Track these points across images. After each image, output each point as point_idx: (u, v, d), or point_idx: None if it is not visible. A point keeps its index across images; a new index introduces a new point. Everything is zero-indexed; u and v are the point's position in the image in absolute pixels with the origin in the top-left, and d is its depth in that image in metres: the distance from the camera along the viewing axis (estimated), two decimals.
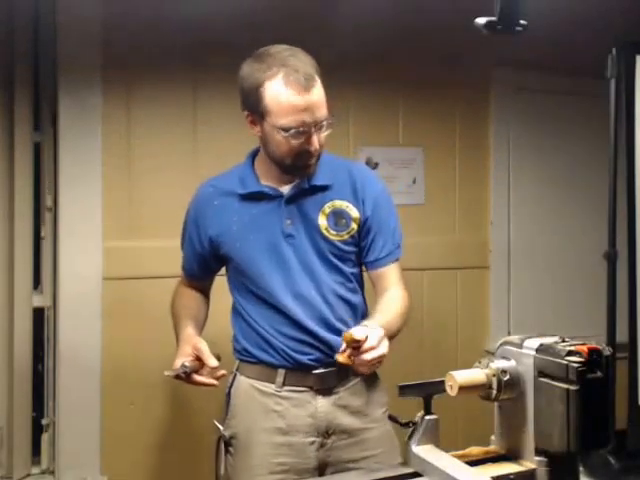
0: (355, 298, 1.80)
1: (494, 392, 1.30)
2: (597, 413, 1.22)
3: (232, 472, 1.78)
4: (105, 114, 2.45)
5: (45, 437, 2.50)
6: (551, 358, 1.24)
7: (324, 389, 1.73)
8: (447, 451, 1.34)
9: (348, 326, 1.71)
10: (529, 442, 1.29)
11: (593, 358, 1.21)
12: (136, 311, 2.48)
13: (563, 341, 1.27)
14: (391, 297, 1.82)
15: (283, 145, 1.66)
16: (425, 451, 1.33)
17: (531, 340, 1.30)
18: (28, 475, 2.47)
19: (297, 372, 1.73)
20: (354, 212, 1.76)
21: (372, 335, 1.54)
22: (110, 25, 2.43)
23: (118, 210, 2.48)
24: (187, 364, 1.67)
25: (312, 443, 1.73)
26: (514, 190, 3.02)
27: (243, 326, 1.79)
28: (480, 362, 1.35)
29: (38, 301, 2.48)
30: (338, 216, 1.75)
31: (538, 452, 1.28)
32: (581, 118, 3.05)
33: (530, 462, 1.29)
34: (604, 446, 1.24)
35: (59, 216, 2.43)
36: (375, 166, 2.78)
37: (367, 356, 1.52)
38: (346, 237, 1.76)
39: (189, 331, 1.77)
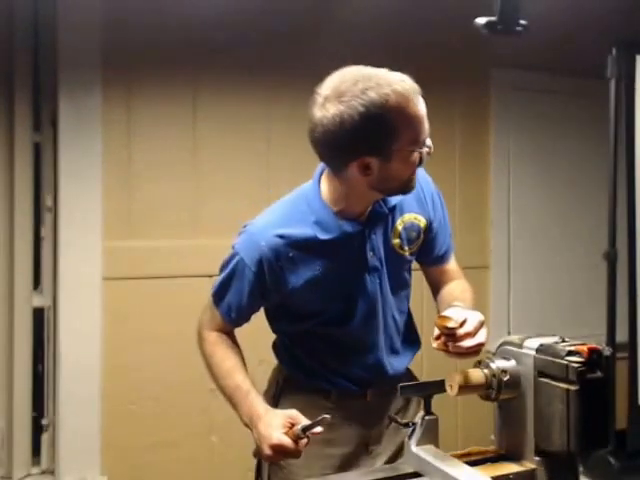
0: (408, 305, 1.74)
1: (494, 392, 1.30)
2: (597, 413, 1.22)
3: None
4: (105, 114, 2.45)
5: (45, 437, 2.50)
6: (551, 358, 1.24)
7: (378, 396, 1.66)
8: (447, 451, 1.34)
9: (401, 338, 1.67)
10: (529, 442, 1.29)
11: (593, 358, 1.21)
12: (136, 311, 2.48)
13: (563, 341, 1.27)
14: (462, 287, 1.74)
15: (410, 166, 1.50)
16: (425, 451, 1.34)
17: (531, 340, 1.30)
18: (28, 475, 2.47)
19: (349, 393, 1.64)
20: (422, 221, 1.65)
21: (470, 320, 1.40)
22: (110, 25, 2.43)
23: (118, 210, 2.48)
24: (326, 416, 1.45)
25: (361, 453, 1.65)
26: (514, 190, 3.02)
27: (301, 361, 1.67)
28: (480, 362, 1.35)
29: (38, 301, 2.48)
30: (409, 230, 1.63)
31: (538, 452, 1.28)
32: (581, 118, 3.05)
33: (530, 462, 1.29)
34: (604, 446, 1.25)
35: (59, 216, 2.43)
36: None
37: (465, 344, 1.39)
38: (415, 249, 1.66)
39: (262, 403, 1.55)
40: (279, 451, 1.42)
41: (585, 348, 1.22)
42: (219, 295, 1.62)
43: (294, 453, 1.43)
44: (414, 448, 1.35)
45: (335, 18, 2.59)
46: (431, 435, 1.36)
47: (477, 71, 2.91)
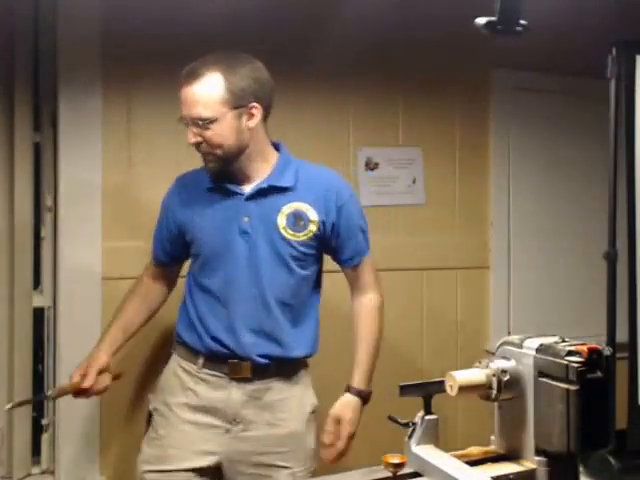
0: (296, 301, 1.87)
1: (494, 392, 1.31)
2: (597, 413, 1.22)
3: (149, 442, 1.91)
4: (105, 114, 2.45)
5: (45, 437, 2.49)
6: (551, 358, 1.24)
7: (240, 378, 1.83)
8: (447, 451, 1.35)
9: (280, 328, 1.84)
10: (529, 442, 1.29)
11: (593, 358, 1.21)
12: None
13: (563, 341, 1.28)
14: (365, 323, 1.95)
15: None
16: (425, 451, 1.34)
17: (531, 340, 1.30)
18: (28, 475, 2.46)
19: (215, 358, 1.83)
20: (314, 215, 1.84)
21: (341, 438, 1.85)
22: (110, 26, 2.42)
23: (118, 210, 2.48)
24: (49, 393, 2.02)
25: (217, 427, 1.83)
26: (514, 190, 3.02)
27: (182, 309, 1.92)
28: (480, 362, 1.35)
29: (38, 301, 2.48)
30: (297, 217, 1.83)
31: (538, 452, 1.28)
32: (581, 118, 3.05)
33: (530, 462, 1.29)
34: (604, 446, 1.25)
35: (59, 216, 2.42)
36: (375, 166, 2.78)
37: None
38: (303, 238, 1.83)
39: (100, 347, 1.93)
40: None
41: (585, 348, 1.22)
42: (154, 236, 2.02)
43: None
44: (414, 448, 1.35)
45: (335, 17, 2.59)
46: (431, 435, 1.36)
47: (477, 71, 2.91)
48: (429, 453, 1.33)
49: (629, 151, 2.61)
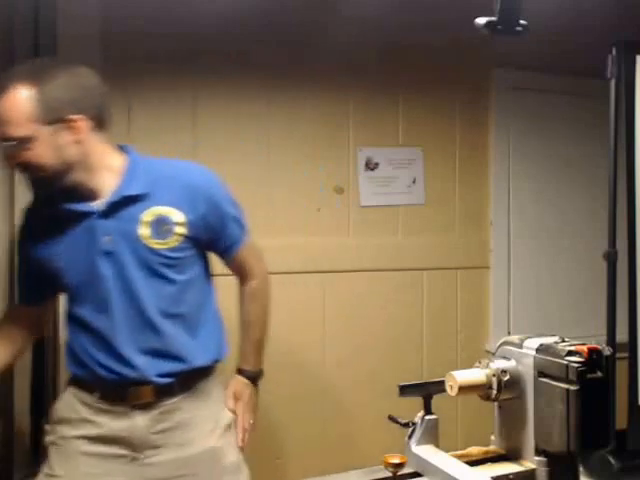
0: (186, 308, 1.72)
1: (494, 392, 1.31)
2: (597, 413, 1.22)
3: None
4: None
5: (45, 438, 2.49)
6: (551, 358, 1.24)
7: (143, 404, 1.68)
8: (447, 451, 1.35)
9: (174, 342, 1.70)
10: (529, 442, 1.29)
11: (593, 358, 1.21)
12: None
13: (563, 341, 1.28)
14: (251, 307, 1.87)
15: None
16: (425, 451, 1.34)
17: (531, 340, 1.31)
18: (28, 475, 2.46)
19: (112, 388, 1.68)
20: (178, 217, 1.68)
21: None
22: (110, 26, 2.42)
23: None
24: None
25: (123, 456, 1.68)
26: (514, 190, 3.01)
27: (67, 343, 1.76)
28: (480, 362, 1.35)
29: None
30: (160, 223, 1.67)
31: (538, 452, 1.28)
32: (581, 118, 3.05)
33: (530, 462, 1.29)
34: (604, 446, 1.25)
35: None
36: (375, 166, 2.78)
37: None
38: (173, 244, 1.68)
39: None
40: None
41: (585, 348, 1.22)
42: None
43: None
44: (414, 448, 1.35)
45: (335, 18, 2.59)
46: (431, 435, 1.36)
47: (477, 71, 2.91)
48: (429, 453, 1.33)
49: (629, 151, 2.61)
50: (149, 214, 1.66)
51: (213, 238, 1.77)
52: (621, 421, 2.47)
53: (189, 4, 2.42)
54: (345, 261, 2.75)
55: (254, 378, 1.87)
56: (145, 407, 1.68)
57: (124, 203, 1.65)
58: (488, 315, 2.98)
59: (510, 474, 1.29)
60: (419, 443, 1.35)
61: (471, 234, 2.96)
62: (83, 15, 2.40)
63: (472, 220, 2.96)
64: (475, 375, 1.32)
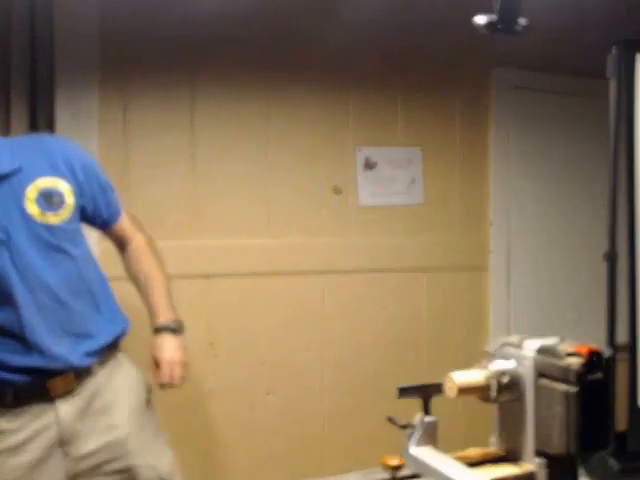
0: (89, 284, 1.66)
1: (493, 394, 1.30)
2: (597, 415, 1.21)
3: None
4: (102, 116, 2.44)
5: None
6: (551, 359, 1.24)
7: (62, 393, 1.60)
8: (446, 453, 1.34)
9: (87, 319, 1.63)
10: (528, 443, 1.28)
11: (593, 359, 1.21)
12: (132, 311, 2.46)
13: (563, 342, 1.27)
14: (143, 257, 1.80)
15: None
16: (424, 453, 1.33)
17: (531, 341, 1.30)
18: None
19: (28, 387, 1.57)
20: (65, 186, 1.60)
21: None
22: (107, 26, 2.42)
23: None
24: None
25: (54, 455, 1.59)
26: (514, 190, 3.01)
27: None
28: (480, 363, 1.34)
29: None
30: (47, 196, 1.57)
31: (538, 453, 1.27)
32: (581, 118, 3.04)
33: (529, 464, 1.29)
34: (604, 448, 1.24)
35: None
36: (374, 166, 2.78)
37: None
38: (66, 215, 1.60)
39: None
40: None
41: (585, 349, 1.22)
42: None
43: None
44: (413, 450, 1.34)
45: (334, 18, 2.58)
46: (430, 436, 1.36)
47: (477, 71, 2.91)
48: (428, 455, 1.32)
49: (629, 151, 2.60)
50: (33, 189, 1.56)
51: (95, 207, 1.69)
52: (621, 423, 2.46)
53: (188, 4, 2.42)
54: (344, 261, 2.75)
55: (175, 329, 1.76)
56: (66, 395, 1.60)
57: (1, 184, 1.53)
58: (488, 316, 2.98)
59: (509, 476, 1.28)
60: (418, 444, 1.34)
61: (471, 234, 2.96)
62: (80, 14, 2.39)
63: (472, 220, 2.96)
64: (474, 376, 1.31)
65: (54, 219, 1.58)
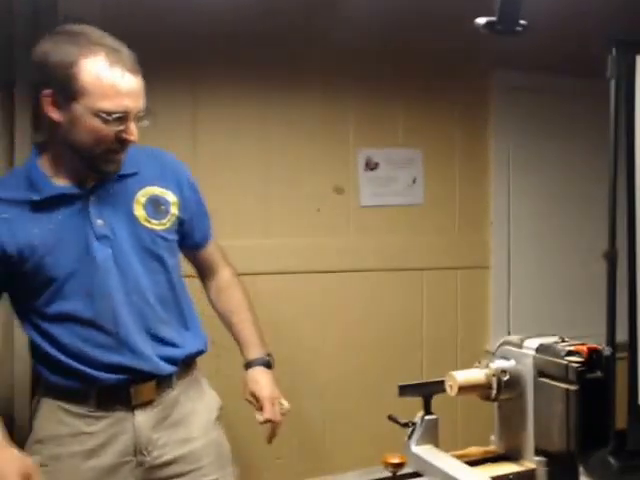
0: (175, 293, 1.68)
1: (494, 392, 1.30)
2: (597, 413, 1.22)
3: None
4: None
5: None
6: (551, 358, 1.24)
7: (142, 403, 1.61)
8: (447, 451, 1.34)
9: (172, 328, 1.65)
10: (529, 442, 1.29)
11: (593, 358, 1.21)
12: None
13: (563, 341, 1.27)
14: (234, 293, 1.83)
15: (98, 132, 1.46)
16: (425, 451, 1.33)
17: (531, 340, 1.30)
18: None
19: (110, 390, 1.58)
20: (172, 197, 1.65)
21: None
22: (109, 26, 2.41)
23: None
24: None
25: (127, 463, 1.61)
26: (514, 190, 3.01)
27: (37, 353, 1.61)
28: (480, 362, 1.35)
29: None
30: (155, 203, 1.62)
31: (538, 452, 1.28)
32: (581, 118, 3.05)
33: (530, 462, 1.29)
34: (604, 446, 1.24)
35: None
36: (375, 166, 2.78)
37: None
38: (168, 225, 1.64)
39: (7, 447, 1.47)
40: None
41: (585, 348, 1.22)
42: None
43: None
44: (414, 448, 1.35)
45: (334, 19, 2.59)
46: (431, 435, 1.36)
47: (477, 71, 2.91)
48: (429, 453, 1.33)
49: (629, 151, 2.60)
50: (144, 194, 1.61)
51: (191, 226, 1.73)
52: (621, 421, 2.46)
53: (189, 4, 2.42)
54: (345, 261, 2.75)
55: (268, 363, 1.80)
56: (146, 405, 1.61)
57: (115, 183, 1.58)
58: (488, 315, 2.98)
59: (510, 474, 1.29)
60: (419, 443, 1.35)
61: (471, 234, 2.96)
62: (83, 15, 2.40)
63: (472, 220, 2.96)
64: (475, 375, 1.31)
65: (158, 226, 1.62)
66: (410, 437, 1.36)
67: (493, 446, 1.38)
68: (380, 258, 2.81)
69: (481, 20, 1.45)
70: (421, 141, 2.85)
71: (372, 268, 2.80)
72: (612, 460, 2.34)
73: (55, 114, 1.48)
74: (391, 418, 1.49)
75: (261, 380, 1.76)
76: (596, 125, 2.77)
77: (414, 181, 2.85)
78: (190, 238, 1.75)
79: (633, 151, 2.60)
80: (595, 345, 1.23)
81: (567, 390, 1.20)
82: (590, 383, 1.20)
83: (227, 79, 2.60)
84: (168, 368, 1.63)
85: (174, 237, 1.68)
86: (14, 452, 1.47)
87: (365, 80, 2.76)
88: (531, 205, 3.04)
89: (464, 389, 1.30)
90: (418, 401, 1.39)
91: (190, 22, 2.46)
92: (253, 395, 1.76)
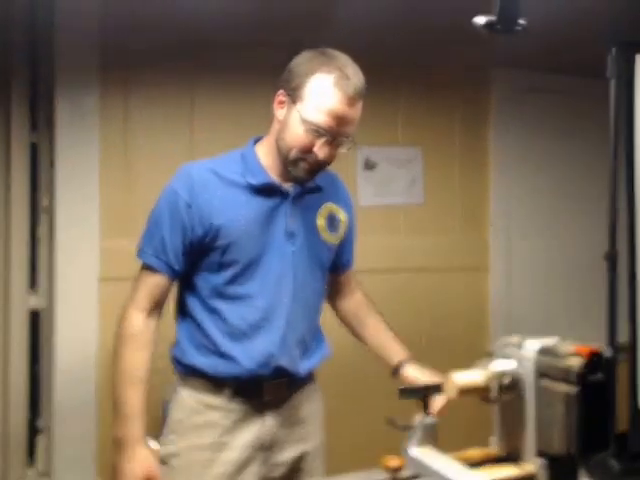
0: (320, 302, 1.78)
1: (494, 394, 1.29)
2: (597, 415, 1.21)
3: None
4: (102, 114, 2.44)
5: (41, 440, 2.48)
6: (551, 360, 1.24)
7: (274, 401, 1.66)
8: (447, 453, 1.33)
9: (312, 335, 1.74)
10: (529, 444, 1.28)
11: (593, 360, 1.20)
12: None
13: (563, 342, 1.27)
14: (373, 311, 1.93)
15: (298, 137, 1.58)
16: (424, 453, 1.33)
17: (531, 341, 1.30)
18: (23, 477, 2.45)
19: (248, 384, 1.63)
20: (343, 216, 1.77)
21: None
22: (108, 25, 2.42)
23: (115, 210, 2.47)
24: None
25: (254, 459, 1.65)
26: (514, 190, 3.01)
27: (187, 334, 1.67)
28: (480, 363, 1.34)
29: (34, 302, 2.47)
30: (332, 219, 1.74)
31: (538, 454, 1.27)
32: (581, 118, 3.04)
33: (530, 464, 1.28)
34: (604, 448, 1.24)
35: (55, 217, 2.41)
36: (374, 166, 2.77)
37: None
38: (336, 241, 1.75)
39: (144, 446, 1.57)
40: None
41: (586, 350, 1.21)
42: (150, 239, 1.64)
43: None
44: (413, 450, 1.34)
45: (334, 19, 2.58)
46: (430, 437, 1.35)
47: (477, 71, 2.90)
48: (428, 455, 1.32)
49: (629, 151, 2.60)
50: (325, 207, 1.73)
51: (341, 249, 1.81)
52: (622, 423, 2.46)
53: (188, 4, 2.42)
54: None
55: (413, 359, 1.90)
56: (276, 404, 1.67)
57: (308, 192, 1.69)
58: (488, 316, 2.98)
59: (510, 476, 1.28)
60: (418, 445, 1.34)
61: (471, 234, 2.95)
62: (81, 15, 2.39)
63: (472, 220, 2.96)
64: (475, 377, 1.31)
65: (331, 239, 1.73)
66: (409, 439, 1.35)
67: (493, 448, 1.37)
68: (379, 258, 2.80)
69: (480, 20, 1.45)
70: (420, 140, 2.85)
71: (371, 268, 2.78)
72: (613, 462, 2.33)
73: (279, 112, 1.65)
74: (390, 421, 1.48)
75: (421, 375, 1.85)
76: (596, 125, 2.77)
77: (413, 181, 2.84)
78: (338, 258, 1.82)
79: (633, 151, 2.59)
80: (596, 347, 1.22)
81: (568, 392, 1.20)
82: (591, 385, 1.19)
83: (226, 78, 2.60)
84: (303, 372, 1.71)
85: (334, 253, 1.77)
86: (147, 453, 1.57)
87: (364, 79, 2.74)
88: (531, 205, 3.04)
89: (464, 391, 1.29)
90: (418, 402, 1.39)
91: (190, 21, 2.45)
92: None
